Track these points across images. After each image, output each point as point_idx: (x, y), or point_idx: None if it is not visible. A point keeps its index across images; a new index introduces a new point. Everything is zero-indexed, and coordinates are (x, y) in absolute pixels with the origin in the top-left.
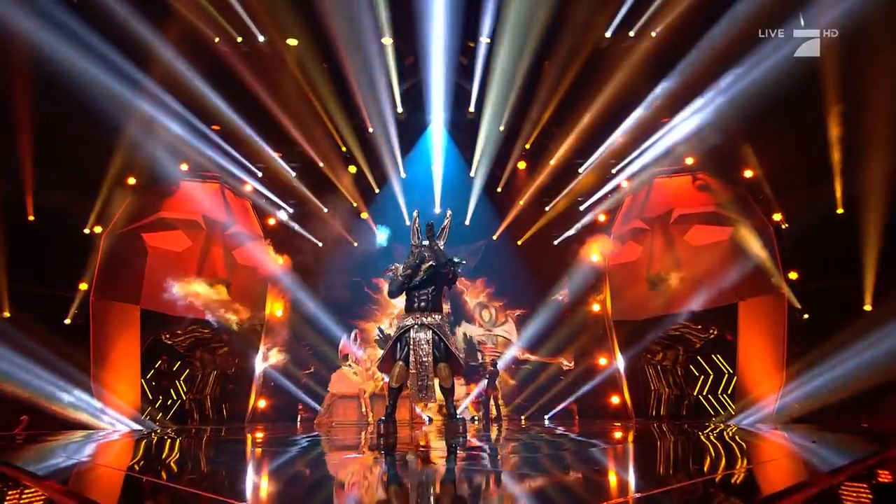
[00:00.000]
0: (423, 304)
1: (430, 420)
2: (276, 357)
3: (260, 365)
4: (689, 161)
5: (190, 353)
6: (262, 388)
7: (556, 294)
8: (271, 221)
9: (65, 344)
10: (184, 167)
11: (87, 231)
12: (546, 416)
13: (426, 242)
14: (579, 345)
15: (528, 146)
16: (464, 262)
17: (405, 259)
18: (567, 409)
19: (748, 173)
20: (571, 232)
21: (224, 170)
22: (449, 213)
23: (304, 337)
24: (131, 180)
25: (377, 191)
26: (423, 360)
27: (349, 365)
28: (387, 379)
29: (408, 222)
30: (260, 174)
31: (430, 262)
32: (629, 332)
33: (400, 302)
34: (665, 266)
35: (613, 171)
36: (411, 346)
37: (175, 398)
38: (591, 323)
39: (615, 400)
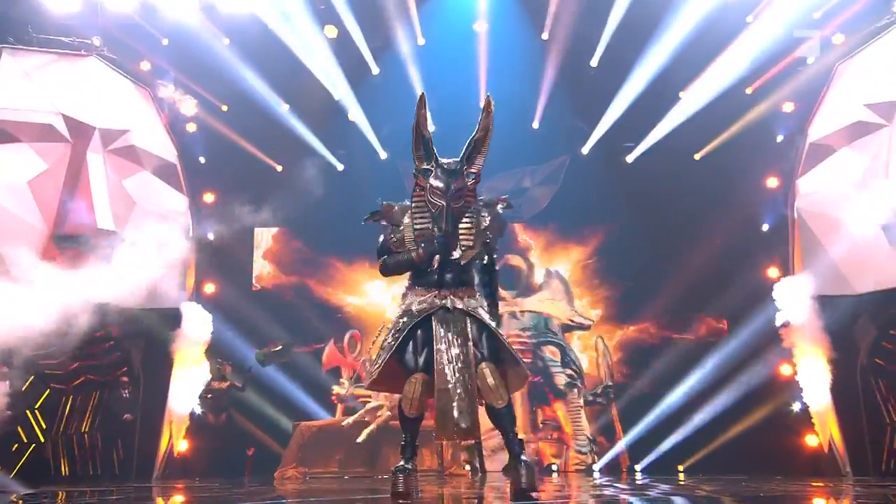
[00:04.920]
0: (448, 275)
1: (480, 470)
2: (204, 366)
3: (178, 381)
4: None
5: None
6: (182, 419)
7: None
8: (191, 128)
9: None
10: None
11: None
12: (680, 467)
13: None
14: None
15: None
16: (510, 206)
17: (411, 195)
18: (718, 454)
19: None
20: (726, 136)
21: (102, 33)
22: (488, 97)
23: (256, 332)
24: None
25: (375, 71)
26: (460, 369)
27: (341, 383)
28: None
29: (433, 127)
30: (165, 42)
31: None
32: (840, 317)
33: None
34: None
35: (816, 14)
36: (442, 347)
37: (25, 440)
38: (762, 300)
39: (811, 441)
